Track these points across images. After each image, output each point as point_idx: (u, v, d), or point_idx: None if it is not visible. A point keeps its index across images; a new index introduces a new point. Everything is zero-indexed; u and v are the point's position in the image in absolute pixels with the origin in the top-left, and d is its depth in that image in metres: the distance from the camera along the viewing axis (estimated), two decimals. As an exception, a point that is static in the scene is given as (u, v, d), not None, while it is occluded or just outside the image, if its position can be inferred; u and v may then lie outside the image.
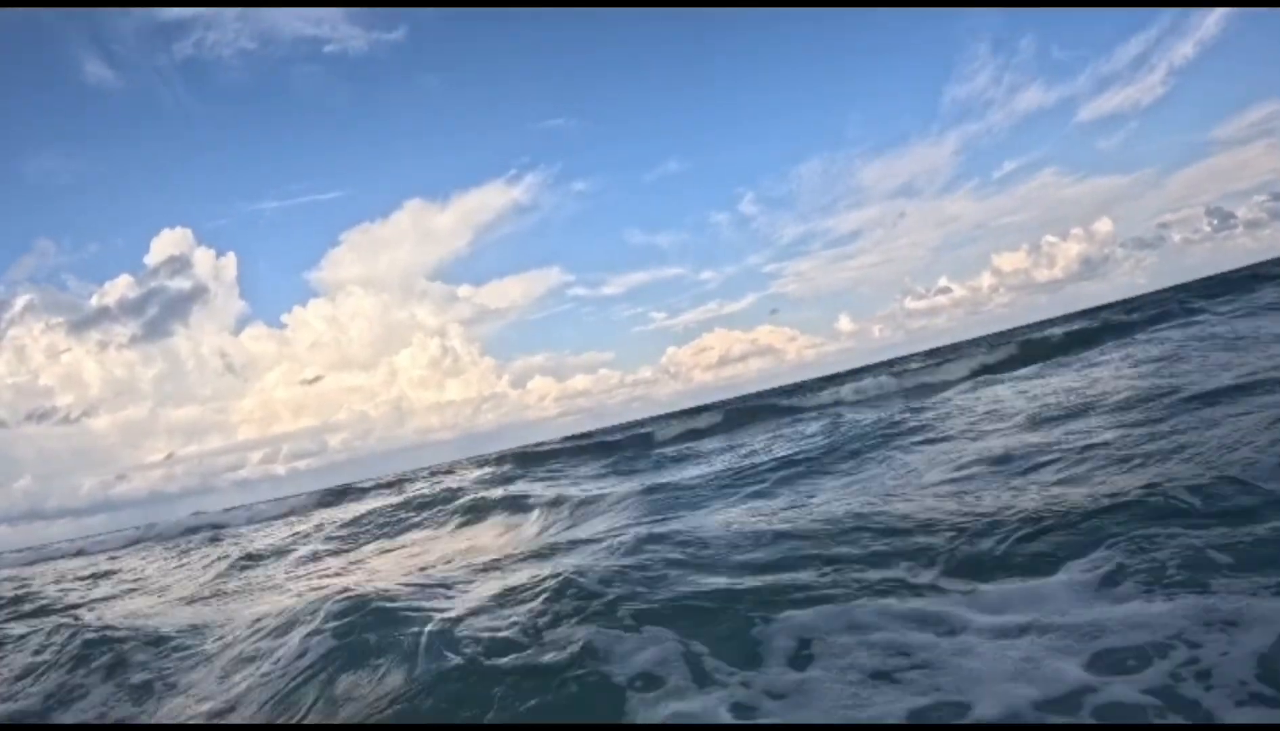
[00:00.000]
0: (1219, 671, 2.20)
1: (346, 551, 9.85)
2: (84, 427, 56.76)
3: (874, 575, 3.50)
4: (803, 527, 4.47)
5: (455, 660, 3.28)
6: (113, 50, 58.55)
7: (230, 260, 59.17)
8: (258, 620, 4.97)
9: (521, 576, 4.50)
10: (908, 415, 9.49)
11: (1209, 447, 4.34)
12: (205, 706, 3.68)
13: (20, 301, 56.22)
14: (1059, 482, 4.57)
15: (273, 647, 4.18)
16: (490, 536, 8.49)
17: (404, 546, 9.23)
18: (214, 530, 20.72)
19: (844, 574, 3.57)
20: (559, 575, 4.06)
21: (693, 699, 2.70)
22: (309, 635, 3.96)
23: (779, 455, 8.85)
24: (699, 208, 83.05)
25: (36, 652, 5.32)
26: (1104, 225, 71.22)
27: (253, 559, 10.32)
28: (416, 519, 11.30)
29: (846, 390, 19.27)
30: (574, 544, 5.73)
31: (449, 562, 6.58)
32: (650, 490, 7.99)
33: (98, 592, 10.25)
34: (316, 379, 67.32)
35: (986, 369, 16.71)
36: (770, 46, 71.47)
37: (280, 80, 63.78)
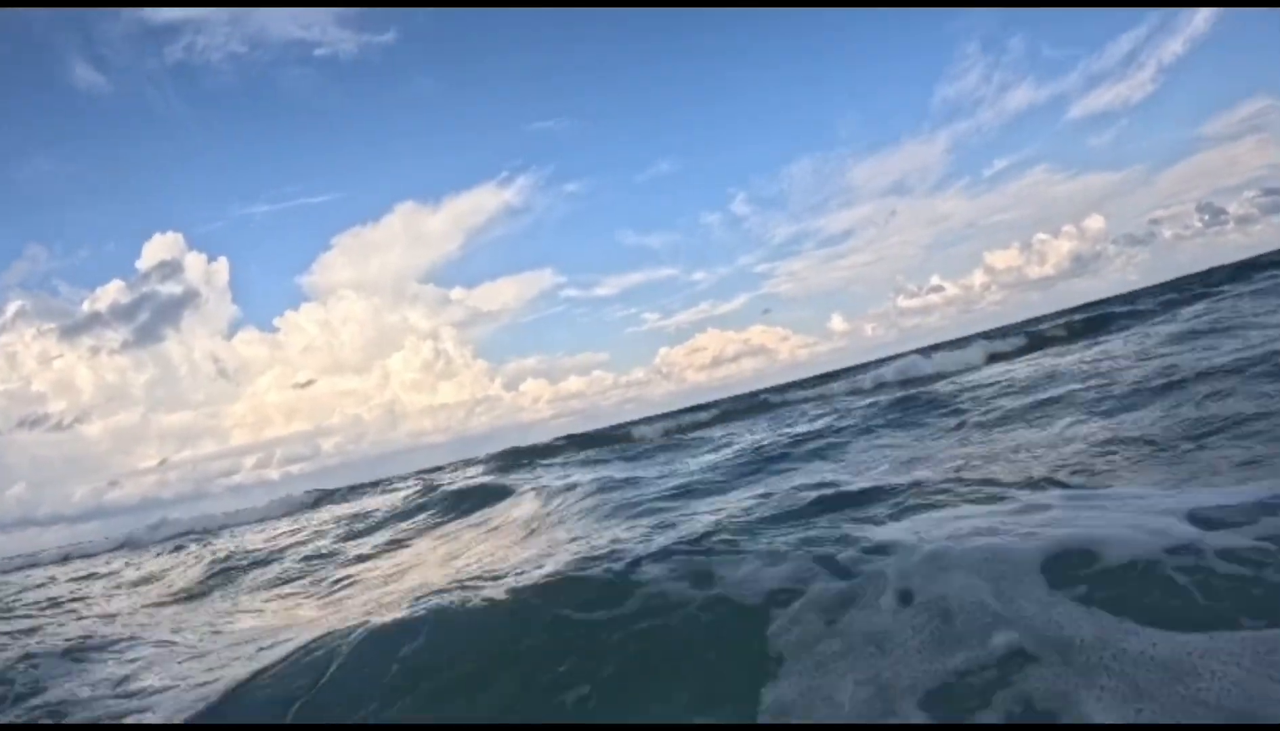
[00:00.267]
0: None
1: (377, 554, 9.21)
2: (76, 434, 56.58)
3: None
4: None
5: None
6: (103, 54, 58.90)
7: (222, 264, 60.02)
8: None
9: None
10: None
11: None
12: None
13: (11, 307, 56.51)
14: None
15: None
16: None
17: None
18: (202, 535, 19.89)
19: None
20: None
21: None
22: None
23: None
24: (691, 208, 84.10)
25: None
26: (1095, 222, 72.40)
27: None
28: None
29: (889, 370, 19.34)
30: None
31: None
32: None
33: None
34: (309, 383, 67.09)
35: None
36: (761, 47, 72.31)
37: (270, 83, 65.17)
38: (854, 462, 6.90)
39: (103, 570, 13.69)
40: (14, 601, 9.25)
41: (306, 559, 8.81)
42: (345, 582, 6.66)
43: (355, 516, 12.84)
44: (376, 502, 16.04)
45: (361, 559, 8.15)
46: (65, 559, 23.28)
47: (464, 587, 3.60)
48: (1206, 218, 67.79)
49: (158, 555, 15.02)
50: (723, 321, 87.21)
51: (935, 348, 26.48)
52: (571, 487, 7.80)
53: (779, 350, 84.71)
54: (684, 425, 22.22)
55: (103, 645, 4.71)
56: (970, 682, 2.08)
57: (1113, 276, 71.32)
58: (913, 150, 79.73)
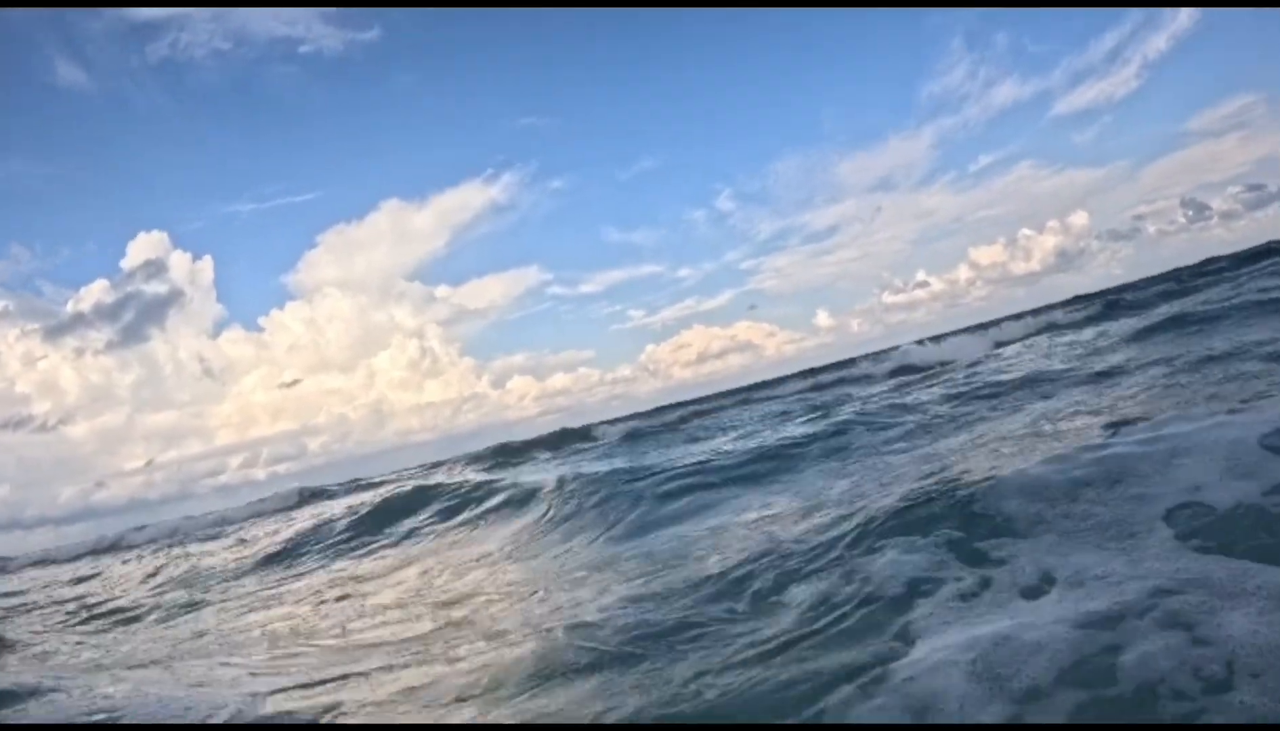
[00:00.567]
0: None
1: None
2: (61, 435, 54.50)
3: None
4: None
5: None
6: (85, 52, 57.61)
7: (207, 263, 57.84)
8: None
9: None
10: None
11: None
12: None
13: (-6, 309, 54.24)
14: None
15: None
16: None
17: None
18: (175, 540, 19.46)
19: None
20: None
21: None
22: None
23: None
24: (676, 205, 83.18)
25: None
26: (1079, 218, 71.80)
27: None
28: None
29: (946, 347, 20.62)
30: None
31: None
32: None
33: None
34: (295, 382, 66.16)
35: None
36: (745, 42, 71.28)
37: (255, 81, 63.09)
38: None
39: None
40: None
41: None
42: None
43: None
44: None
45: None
46: (42, 562, 22.90)
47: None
48: (1190, 213, 67.14)
49: (125, 563, 14.64)
50: (708, 318, 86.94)
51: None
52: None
53: (765, 346, 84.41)
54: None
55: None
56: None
57: (1097, 272, 70.88)
58: (898, 146, 78.83)
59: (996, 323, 27.94)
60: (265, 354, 65.88)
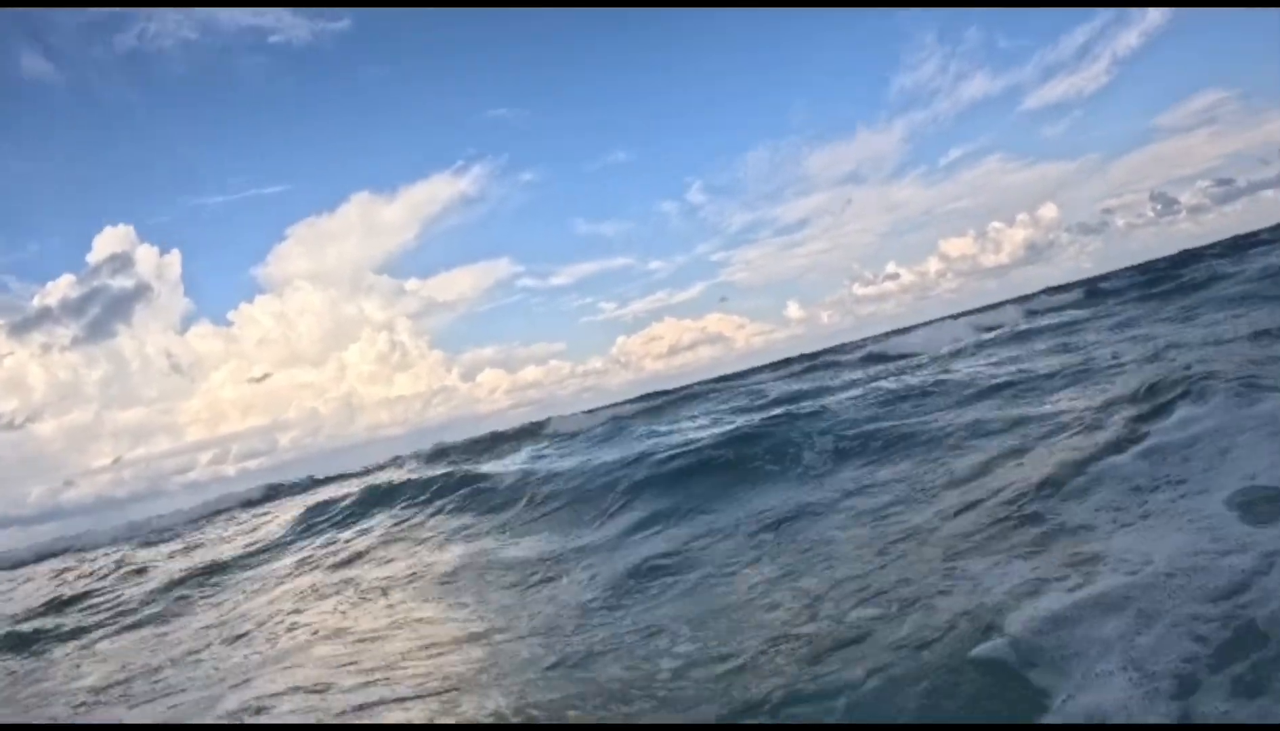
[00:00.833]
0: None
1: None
2: (29, 433, 53.85)
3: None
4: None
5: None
6: (51, 43, 56.38)
7: (174, 257, 57.39)
8: None
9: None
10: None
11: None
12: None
13: (-42, 306, 52.01)
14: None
15: None
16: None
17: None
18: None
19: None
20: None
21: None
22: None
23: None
24: (646, 197, 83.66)
25: None
26: (1049, 211, 72.89)
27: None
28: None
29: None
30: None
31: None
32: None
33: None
34: (265, 376, 65.42)
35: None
36: (716, 35, 71.15)
37: (223, 71, 62.91)
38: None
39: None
40: None
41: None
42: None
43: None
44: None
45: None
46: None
47: None
48: (1159, 207, 68.92)
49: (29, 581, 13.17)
50: (679, 310, 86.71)
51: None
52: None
53: (735, 338, 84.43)
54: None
55: None
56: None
57: (1066, 264, 72.34)
58: (869, 139, 79.76)
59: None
60: (234, 348, 65.42)
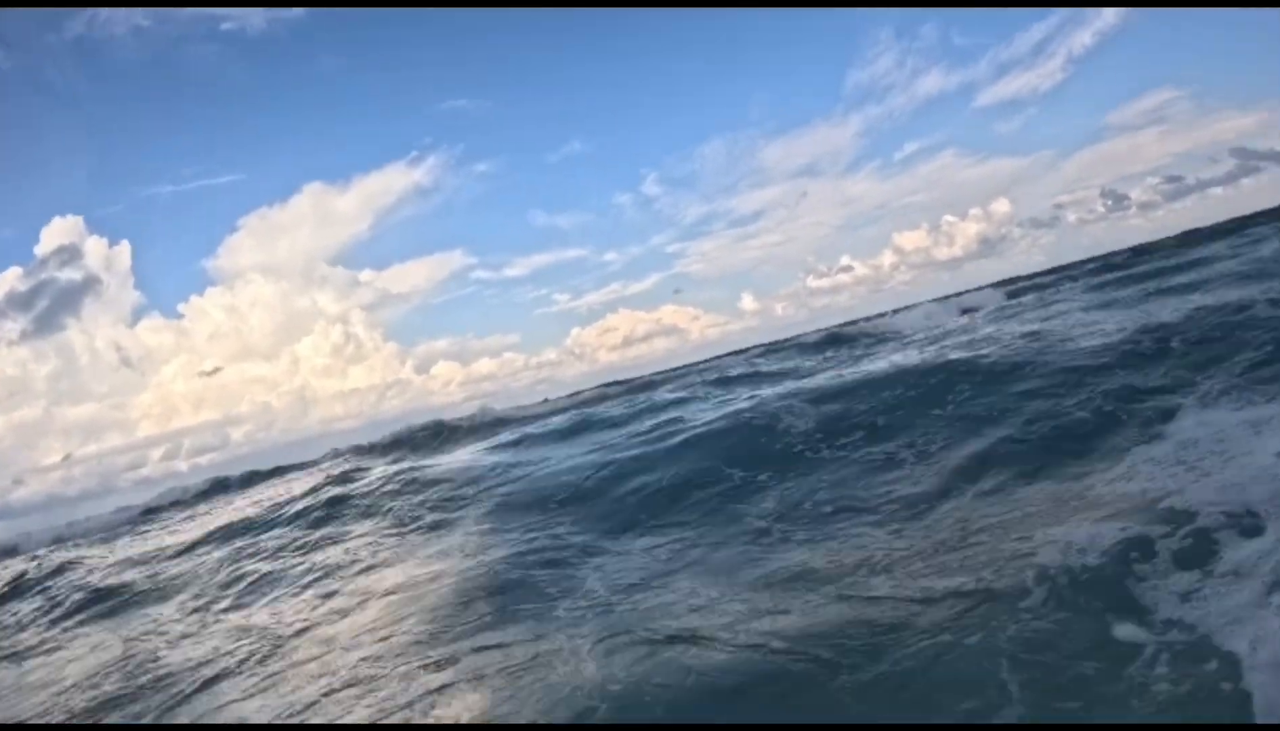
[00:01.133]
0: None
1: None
2: None
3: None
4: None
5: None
6: None
7: (124, 249, 54.64)
8: None
9: None
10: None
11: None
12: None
13: (-99, 300, 49.24)
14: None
15: None
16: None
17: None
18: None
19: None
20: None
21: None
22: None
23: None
24: (602, 188, 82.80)
25: None
26: (1002, 205, 74.30)
27: None
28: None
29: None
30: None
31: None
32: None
33: None
34: (216, 370, 62.93)
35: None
36: (673, 26, 70.33)
37: (176, 59, 59.91)
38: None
39: None
40: None
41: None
42: None
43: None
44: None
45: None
46: None
47: None
48: (1110, 203, 70.72)
49: None
50: (634, 301, 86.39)
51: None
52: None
53: (690, 330, 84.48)
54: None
55: None
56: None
57: (1018, 258, 73.99)
58: (825, 132, 79.83)
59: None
60: (185, 342, 62.66)
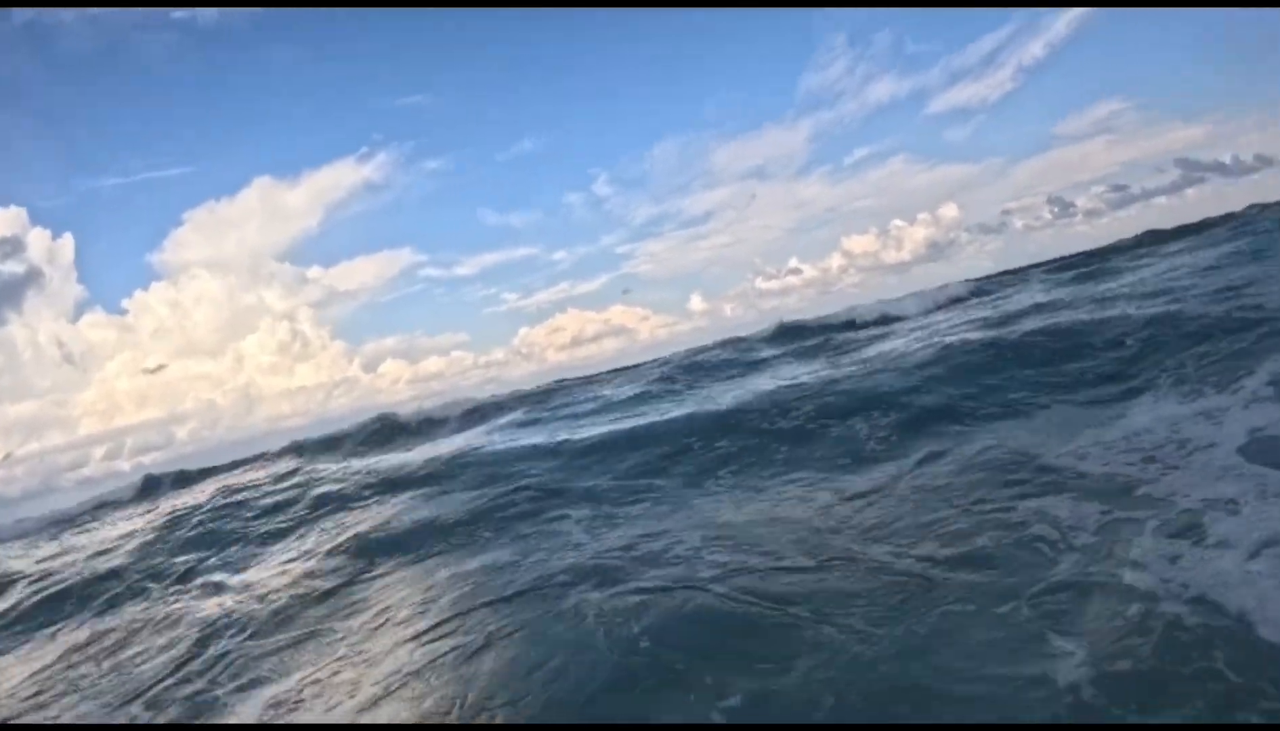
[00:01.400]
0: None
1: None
2: None
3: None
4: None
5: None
6: None
7: (67, 241, 53.88)
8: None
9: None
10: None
11: None
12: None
13: None
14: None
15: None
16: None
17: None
18: None
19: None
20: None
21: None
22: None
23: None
24: (553, 188, 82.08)
25: None
26: (950, 210, 76.27)
27: None
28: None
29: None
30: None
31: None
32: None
33: None
34: (160, 367, 60.73)
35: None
36: (628, 27, 70.47)
37: (124, 48, 58.22)
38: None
39: None
40: None
41: None
42: None
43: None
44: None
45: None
46: None
47: None
48: (1056, 210, 73.13)
49: None
50: (583, 301, 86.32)
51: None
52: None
53: (639, 330, 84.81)
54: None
55: None
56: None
57: (965, 263, 75.93)
58: (776, 136, 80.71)
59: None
60: (129, 337, 60.98)
